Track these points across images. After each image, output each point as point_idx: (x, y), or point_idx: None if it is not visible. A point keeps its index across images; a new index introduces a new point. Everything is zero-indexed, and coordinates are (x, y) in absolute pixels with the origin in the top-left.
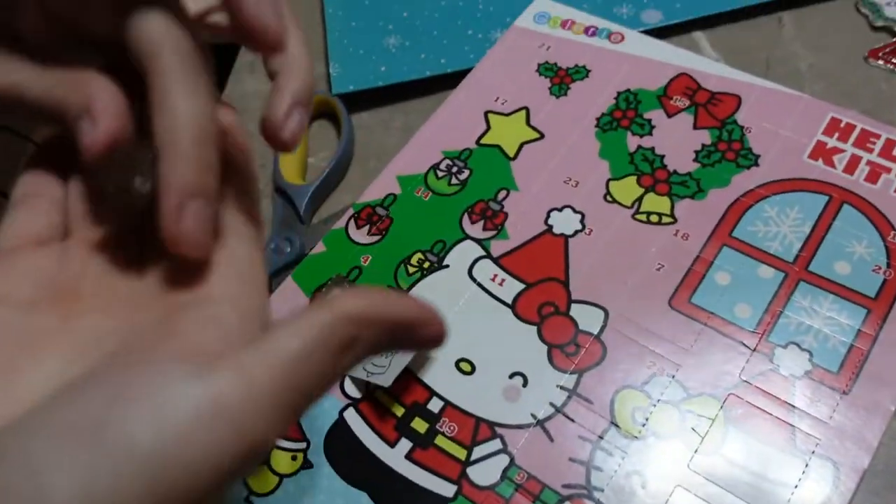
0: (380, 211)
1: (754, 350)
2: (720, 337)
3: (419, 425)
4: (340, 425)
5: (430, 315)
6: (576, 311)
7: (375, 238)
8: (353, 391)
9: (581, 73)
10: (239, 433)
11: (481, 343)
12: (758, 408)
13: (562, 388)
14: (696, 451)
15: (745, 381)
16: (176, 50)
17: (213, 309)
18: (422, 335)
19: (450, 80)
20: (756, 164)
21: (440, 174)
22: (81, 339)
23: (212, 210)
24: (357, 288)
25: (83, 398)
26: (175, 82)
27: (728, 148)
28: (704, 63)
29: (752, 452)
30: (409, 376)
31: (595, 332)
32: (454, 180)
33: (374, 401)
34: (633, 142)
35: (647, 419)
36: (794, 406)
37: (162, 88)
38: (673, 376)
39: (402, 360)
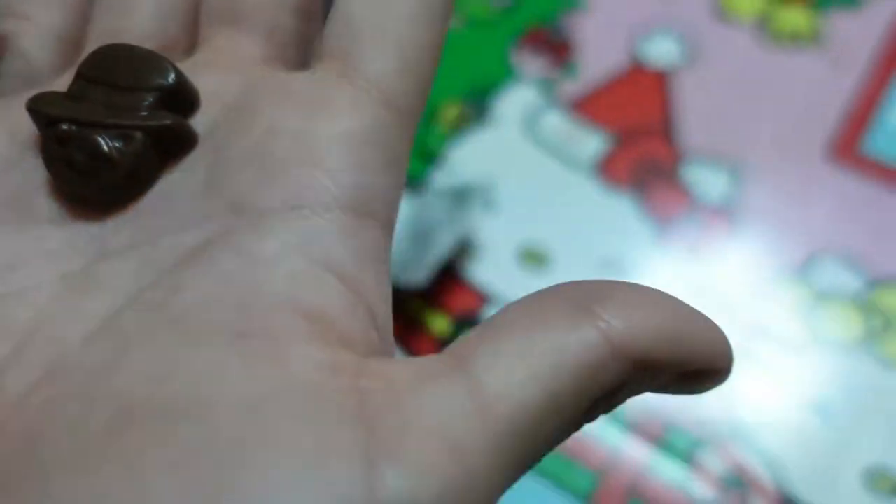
0: None
1: None
2: None
3: None
4: None
5: (723, 345)
6: (688, 172)
7: None
8: None
9: None
10: None
11: (554, 223)
12: None
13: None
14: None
15: None
16: None
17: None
18: (708, 378)
19: None
20: None
21: None
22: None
23: None
24: (614, 289)
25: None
26: None
27: None
28: None
29: None
30: (452, 274)
31: (717, 201)
32: (496, 1)
33: (404, 312)
34: None
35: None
36: None
37: None
38: (846, 257)
39: (439, 250)
